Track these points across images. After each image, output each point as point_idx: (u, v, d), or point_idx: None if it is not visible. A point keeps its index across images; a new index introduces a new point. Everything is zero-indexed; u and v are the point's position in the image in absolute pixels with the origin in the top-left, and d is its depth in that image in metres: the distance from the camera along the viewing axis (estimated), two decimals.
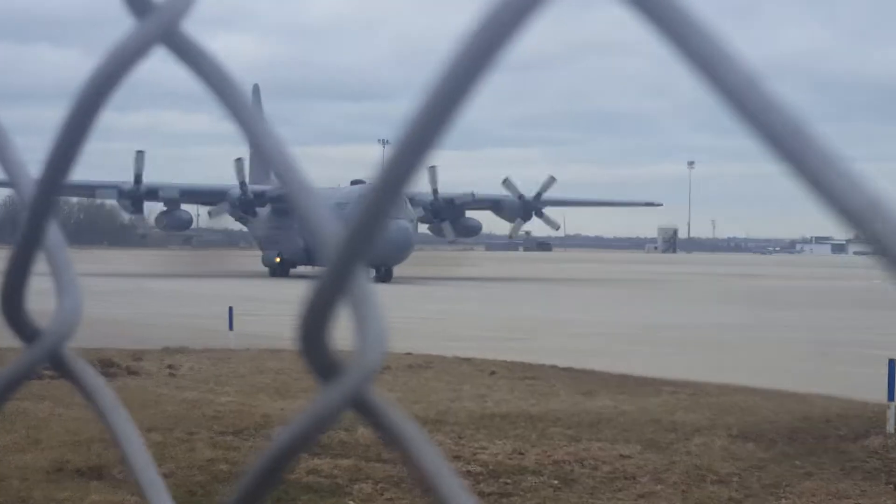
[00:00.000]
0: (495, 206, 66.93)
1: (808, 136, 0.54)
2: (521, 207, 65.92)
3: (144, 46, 0.83)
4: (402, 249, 55.27)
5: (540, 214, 66.57)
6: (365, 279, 0.70)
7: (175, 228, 67.83)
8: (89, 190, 61.40)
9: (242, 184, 60.86)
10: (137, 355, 19.02)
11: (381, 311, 0.71)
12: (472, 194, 65.12)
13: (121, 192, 60.88)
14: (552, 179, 65.65)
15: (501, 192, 67.00)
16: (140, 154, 60.62)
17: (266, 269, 62.43)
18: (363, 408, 0.70)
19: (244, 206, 60.88)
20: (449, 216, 64.40)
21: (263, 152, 0.80)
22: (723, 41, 0.57)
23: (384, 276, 55.21)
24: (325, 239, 0.74)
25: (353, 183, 58.76)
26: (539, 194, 65.58)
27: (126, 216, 69.94)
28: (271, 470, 0.72)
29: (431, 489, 0.67)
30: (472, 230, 68.68)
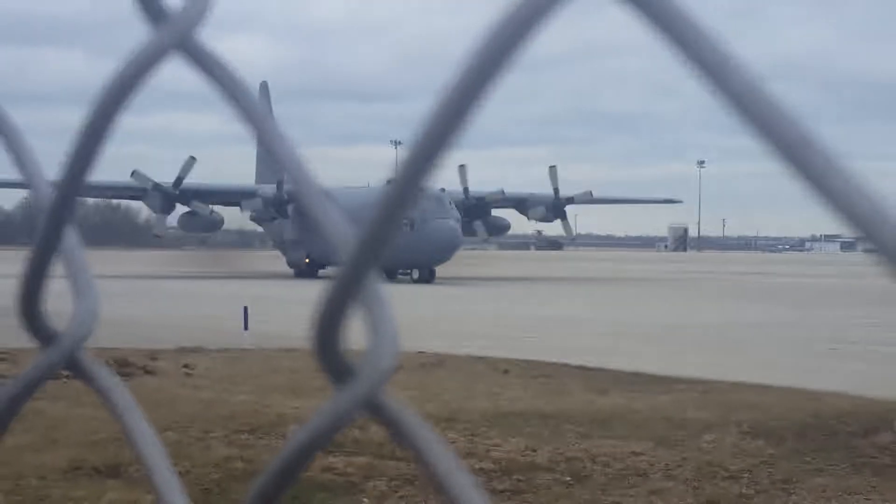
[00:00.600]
0: (520, 203, 65.26)
1: (812, 142, 0.54)
2: (552, 205, 64.00)
3: (161, 53, 0.84)
4: (448, 249, 54.19)
5: (564, 217, 65.04)
6: (378, 281, 0.71)
7: (204, 230, 66.48)
8: (114, 191, 60.65)
9: (259, 190, 60.15)
10: (153, 355, 19.03)
11: (394, 312, 0.71)
12: (503, 191, 63.78)
13: (156, 186, 59.11)
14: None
15: (509, 191, 66.17)
16: (191, 159, 59.06)
17: (290, 270, 60.97)
18: (376, 410, 0.70)
19: (277, 205, 59.27)
20: (478, 215, 63.18)
21: (275, 155, 0.80)
22: (725, 45, 0.57)
23: (427, 277, 53.97)
24: (337, 240, 0.74)
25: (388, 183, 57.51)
26: (572, 198, 64.18)
27: (145, 215, 68.67)
28: (287, 469, 0.73)
29: (444, 487, 0.67)
30: (502, 228, 67.53)
